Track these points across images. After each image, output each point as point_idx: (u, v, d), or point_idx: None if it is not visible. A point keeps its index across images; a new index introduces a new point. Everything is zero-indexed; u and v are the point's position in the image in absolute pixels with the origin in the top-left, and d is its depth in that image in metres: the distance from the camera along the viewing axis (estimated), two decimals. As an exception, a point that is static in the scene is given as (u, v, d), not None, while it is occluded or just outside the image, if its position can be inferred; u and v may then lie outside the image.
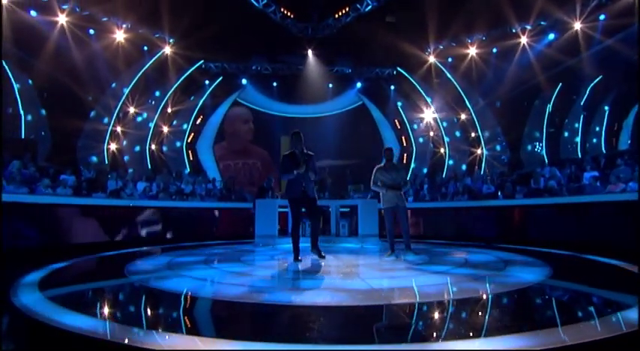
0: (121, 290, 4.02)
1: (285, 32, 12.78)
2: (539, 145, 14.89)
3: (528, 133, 15.10)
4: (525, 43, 13.25)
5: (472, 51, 14.16)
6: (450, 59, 14.79)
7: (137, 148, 14.74)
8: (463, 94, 15.26)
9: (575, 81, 13.26)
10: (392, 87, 15.88)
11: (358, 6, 11.78)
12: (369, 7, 11.72)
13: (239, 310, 3.04)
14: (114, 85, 14.14)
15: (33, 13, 11.59)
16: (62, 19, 11.88)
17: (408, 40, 13.57)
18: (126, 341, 2.19)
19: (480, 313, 3.00)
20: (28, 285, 3.79)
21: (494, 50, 13.89)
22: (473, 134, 15.58)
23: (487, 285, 3.88)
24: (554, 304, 3.35)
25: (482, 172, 13.01)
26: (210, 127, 15.55)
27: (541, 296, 3.63)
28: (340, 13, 12.15)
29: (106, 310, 3.15)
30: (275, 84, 15.19)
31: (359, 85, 15.65)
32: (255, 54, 14.50)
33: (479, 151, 15.43)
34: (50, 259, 5.51)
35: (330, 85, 15.53)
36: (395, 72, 15.56)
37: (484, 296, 3.49)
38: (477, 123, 15.41)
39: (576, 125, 13.76)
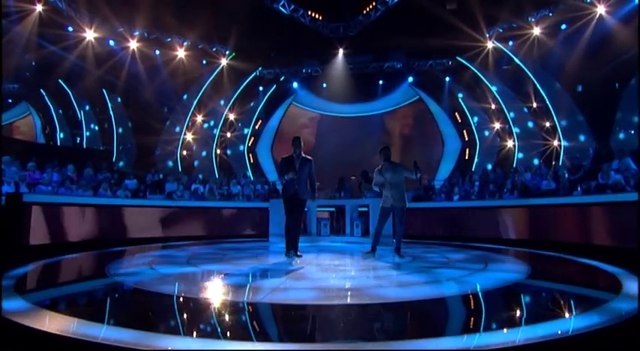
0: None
1: (319, 34, 12.83)
2: (635, 132, 12.50)
3: (621, 119, 12.77)
4: (604, 13, 11.27)
5: (536, 30, 12.51)
6: (510, 42, 13.27)
7: (204, 153, 16.24)
8: (534, 80, 13.54)
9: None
10: (447, 78, 14.80)
11: (387, -1, 11.30)
12: (396, -1, 11.14)
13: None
14: (183, 97, 15.85)
15: (111, 42, 13.62)
16: (133, 44, 13.72)
17: (464, 25, 12.55)
18: None
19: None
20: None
21: (564, 26, 12.07)
22: (547, 124, 13.72)
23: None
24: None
25: (546, 166, 11.38)
26: (268, 131, 16.36)
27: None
28: (368, 9, 11.74)
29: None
30: (324, 85, 15.32)
31: (411, 79, 14.93)
32: (305, 57, 14.87)
33: (555, 143, 13.54)
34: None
35: (381, 82, 15.09)
36: (451, 62, 14.48)
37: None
38: (552, 111, 13.54)
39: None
